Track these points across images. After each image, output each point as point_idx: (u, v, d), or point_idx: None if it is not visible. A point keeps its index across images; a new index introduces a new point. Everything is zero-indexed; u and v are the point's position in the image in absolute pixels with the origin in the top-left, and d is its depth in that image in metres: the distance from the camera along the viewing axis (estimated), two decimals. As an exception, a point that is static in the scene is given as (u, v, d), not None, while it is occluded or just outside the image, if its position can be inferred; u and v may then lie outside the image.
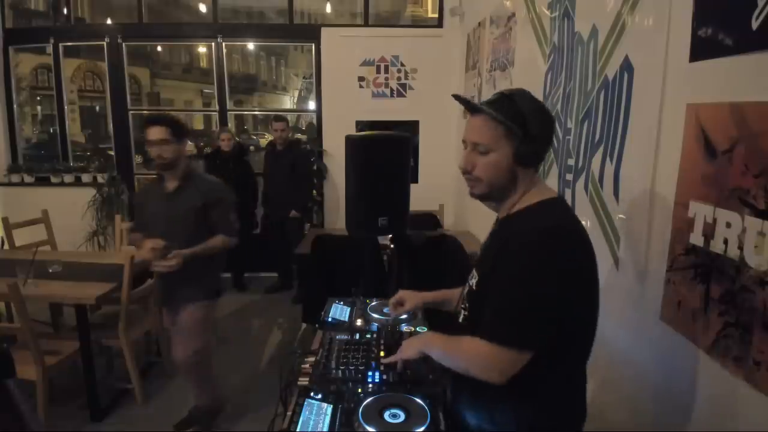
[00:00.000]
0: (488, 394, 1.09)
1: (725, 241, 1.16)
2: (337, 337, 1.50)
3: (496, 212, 1.21)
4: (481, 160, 1.10)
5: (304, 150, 4.73)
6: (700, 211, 1.25)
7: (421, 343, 1.21)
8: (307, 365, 1.35)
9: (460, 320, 1.22)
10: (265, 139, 6.08)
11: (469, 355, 1.06)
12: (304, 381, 1.27)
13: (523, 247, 1.02)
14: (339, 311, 1.72)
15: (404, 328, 1.58)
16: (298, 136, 5.85)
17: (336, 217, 4.97)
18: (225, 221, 2.35)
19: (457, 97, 1.21)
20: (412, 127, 4.81)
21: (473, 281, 1.16)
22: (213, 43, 4.90)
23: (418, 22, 5.88)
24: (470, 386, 1.11)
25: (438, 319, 1.73)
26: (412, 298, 1.54)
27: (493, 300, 1.05)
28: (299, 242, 3.75)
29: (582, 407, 1.18)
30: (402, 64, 4.82)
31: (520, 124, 1.05)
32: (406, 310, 1.55)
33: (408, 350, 1.21)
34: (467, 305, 1.19)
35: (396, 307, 1.55)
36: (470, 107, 1.14)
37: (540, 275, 1.00)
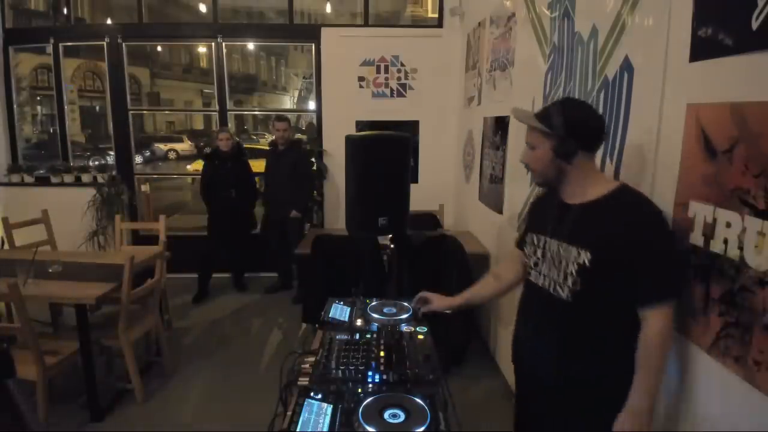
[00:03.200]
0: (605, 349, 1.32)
1: (725, 241, 1.16)
2: (337, 337, 1.50)
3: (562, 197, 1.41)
4: (530, 155, 1.39)
5: (305, 150, 4.73)
6: (700, 211, 1.25)
7: (643, 421, 1.25)
8: (307, 365, 1.35)
9: (565, 297, 1.34)
10: (266, 139, 6.08)
11: (663, 337, 1.24)
12: (304, 381, 1.27)
13: (649, 227, 1.26)
14: (339, 311, 1.71)
15: (404, 328, 1.58)
16: (299, 135, 5.85)
17: (336, 217, 4.97)
18: None
19: (515, 116, 1.44)
20: (412, 127, 4.81)
21: (583, 259, 1.29)
22: (213, 43, 4.91)
23: (418, 22, 5.89)
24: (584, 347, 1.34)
25: (437, 319, 1.73)
26: (438, 300, 1.71)
27: (646, 271, 1.23)
28: (299, 242, 3.75)
29: None
30: (402, 64, 4.82)
31: (551, 128, 1.31)
32: (431, 309, 1.70)
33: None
34: (579, 281, 1.31)
35: (420, 303, 1.71)
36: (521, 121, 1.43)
37: (671, 242, 1.30)
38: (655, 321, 1.23)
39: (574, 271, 1.31)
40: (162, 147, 16.69)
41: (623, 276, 1.24)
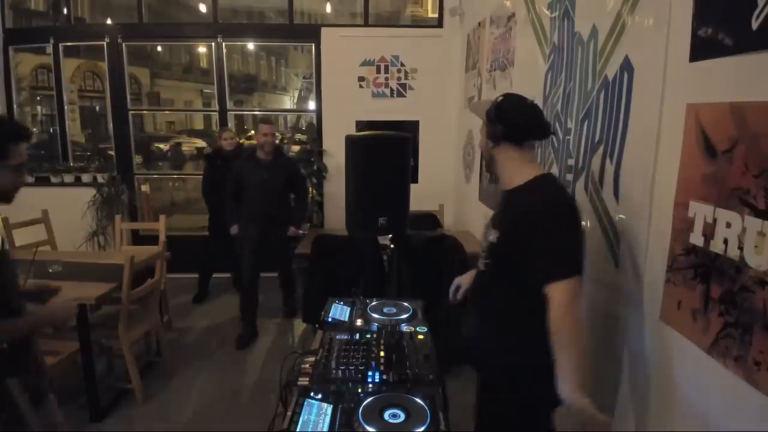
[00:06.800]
0: (514, 330, 1.43)
1: (725, 241, 1.16)
2: (337, 337, 1.50)
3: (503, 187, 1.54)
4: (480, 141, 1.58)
5: (295, 159, 4.48)
6: (700, 211, 1.25)
7: (579, 414, 1.19)
8: (307, 365, 1.35)
9: (482, 268, 1.53)
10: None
11: (565, 309, 1.27)
12: (304, 381, 1.27)
13: (540, 213, 1.36)
14: (339, 311, 1.72)
15: (404, 328, 1.58)
16: (299, 136, 5.81)
17: (336, 217, 4.96)
18: None
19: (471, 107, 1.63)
20: (412, 127, 4.81)
21: (493, 237, 1.46)
22: (213, 43, 4.90)
23: (418, 22, 5.88)
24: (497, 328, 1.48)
25: (437, 319, 1.74)
26: (465, 279, 1.79)
27: (539, 253, 1.33)
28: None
29: None
30: (402, 64, 4.82)
31: (487, 115, 1.49)
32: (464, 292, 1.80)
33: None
34: (489, 256, 1.48)
35: (456, 292, 1.78)
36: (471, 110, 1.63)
37: (561, 225, 1.35)
38: (553, 296, 1.29)
39: (486, 248, 1.50)
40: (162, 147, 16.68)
41: (519, 255, 1.37)
